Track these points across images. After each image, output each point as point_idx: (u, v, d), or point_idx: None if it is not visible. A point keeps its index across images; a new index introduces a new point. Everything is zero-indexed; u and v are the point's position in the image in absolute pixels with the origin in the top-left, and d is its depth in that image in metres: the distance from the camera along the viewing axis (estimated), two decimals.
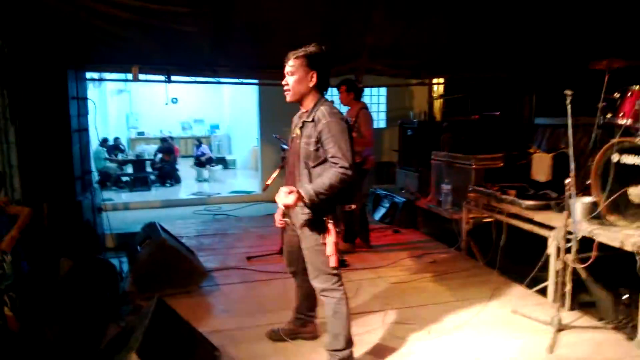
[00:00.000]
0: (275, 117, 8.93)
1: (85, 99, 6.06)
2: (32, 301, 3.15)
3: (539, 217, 3.81)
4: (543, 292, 3.76)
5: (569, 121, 3.08)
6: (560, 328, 3.11)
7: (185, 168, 12.21)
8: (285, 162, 2.99)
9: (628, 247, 3.00)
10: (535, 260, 3.80)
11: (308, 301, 3.03)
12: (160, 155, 11.25)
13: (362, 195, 4.93)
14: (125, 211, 8.42)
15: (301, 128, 2.60)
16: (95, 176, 7.47)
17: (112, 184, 10.46)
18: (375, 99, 9.48)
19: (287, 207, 2.48)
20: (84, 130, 5.96)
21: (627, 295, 3.32)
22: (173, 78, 6.62)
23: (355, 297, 3.72)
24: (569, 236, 3.24)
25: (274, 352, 3.00)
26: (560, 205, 3.65)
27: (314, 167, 2.54)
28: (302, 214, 2.60)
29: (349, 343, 2.68)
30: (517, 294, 3.85)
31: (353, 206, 2.59)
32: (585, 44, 4.62)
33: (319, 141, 2.50)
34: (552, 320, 3.13)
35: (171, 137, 12.67)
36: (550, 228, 3.65)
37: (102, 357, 2.56)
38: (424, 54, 6.34)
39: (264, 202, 9.07)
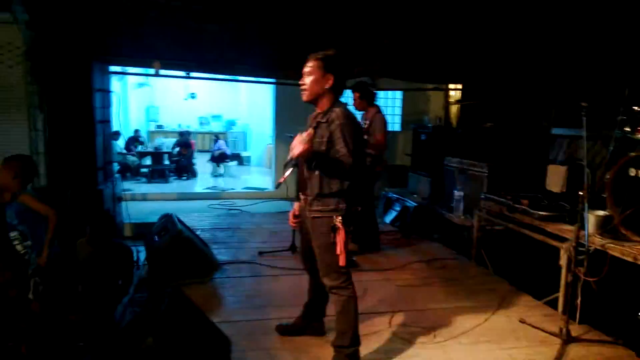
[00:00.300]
0: (290, 116, 8.99)
1: (108, 91, 6.22)
2: (56, 283, 3.25)
3: (551, 228, 3.81)
4: (553, 303, 3.75)
5: (584, 133, 3.08)
6: (569, 340, 3.10)
7: (201, 162, 12.36)
8: (300, 161, 3.05)
9: None
10: (546, 271, 3.81)
11: (319, 298, 3.07)
12: (177, 149, 11.42)
13: (371, 198, 4.96)
14: (143, 202, 8.57)
15: (315, 128, 2.65)
16: (115, 167, 7.63)
17: (131, 175, 10.67)
18: (391, 102, 9.51)
19: (301, 154, 2.48)
20: (106, 121, 6.12)
21: None
22: (193, 74, 6.75)
23: (363, 297, 3.74)
24: (581, 248, 3.24)
25: (282, 346, 3.05)
26: (573, 217, 3.64)
27: None
28: (313, 212, 2.66)
29: (356, 341, 2.73)
30: (526, 303, 3.84)
31: (359, 208, 2.63)
32: (609, 56, 4.60)
33: (330, 141, 2.56)
34: (561, 332, 3.13)
35: (188, 132, 12.83)
36: (563, 240, 3.65)
37: (118, 340, 2.64)
38: (440, 59, 6.37)
39: (276, 200, 9.15)
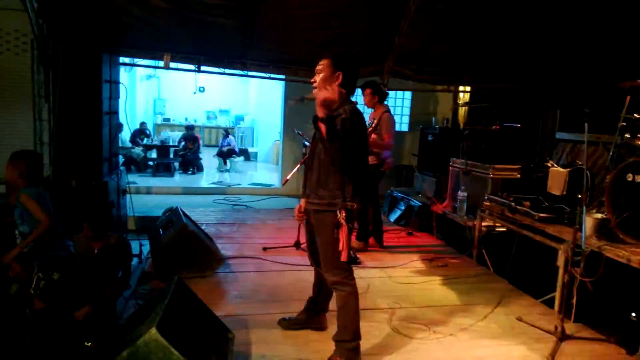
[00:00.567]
0: (299, 113, 9.07)
1: (117, 82, 6.26)
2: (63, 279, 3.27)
3: (550, 229, 3.88)
4: (549, 302, 3.83)
5: (586, 138, 3.14)
6: (563, 338, 3.17)
7: (207, 157, 12.44)
8: (307, 158, 3.13)
9: (634, 264, 3.07)
10: (544, 272, 3.88)
11: (323, 293, 3.16)
12: (184, 143, 11.49)
13: (374, 196, 5.03)
14: (147, 195, 8.66)
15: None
16: (120, 160, 7.70)
17: (136, 168, 10.73)
18: (400, 102, 9.55)
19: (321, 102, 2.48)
20: (114, 113, 6.16)
21: (634, 315, 3.37)
22: (203, 68, 6.80)
23: (365, 294, 3.83)
24: (578, 250, 3.31)
25: (284, 339, 3.14)
26: (572, 220, 3.70)
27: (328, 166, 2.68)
28: (317, 207, 2.75)
29: (357, 336, 2.81)
30: (524, 302, 3.92)
31: (354, 205, 2.69)
32: (614, 63, 4.65)
33: None
34: (556, 330, 3.21)
35: (192, 126, 12.88)
36: (561, 241, 3.72)
37: (122, 332, 2.72)
38: (450, 62, 6.42)
39: (282, 196, 9.24)
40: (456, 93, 8.25)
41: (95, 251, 3.33)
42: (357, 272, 2.90)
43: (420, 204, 6.15)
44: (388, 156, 4.97)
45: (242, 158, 12.99)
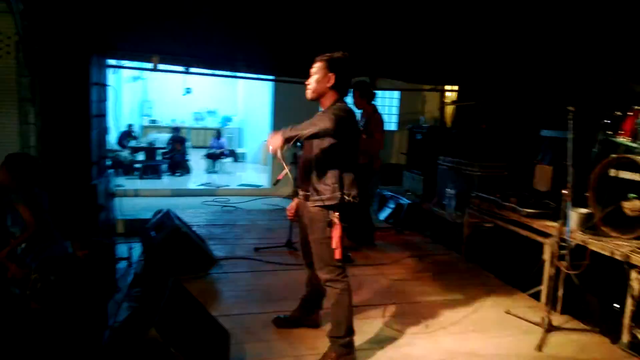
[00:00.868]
0: (288, 113, 9.09)
1: (105, 85, 6.24)
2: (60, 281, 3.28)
3: (537, 224, 3.98)
4: (536, 295, 3.94)
5: (571, 135, 3.24)
6: (550, 329, 3.27)
7: (195, 158, 12.40)
8: (299, 158, 3.19)
9: (618, 257, 3.18)
10: (531, 266, 3.98)
11: (316, 291, 3.20)
12: (171, 145, 11.46)
13: (365, 195, 5.10)
14: (135, 198, 8.62)
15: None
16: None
17: (123, 171, 10.67)
18: (389, 101, 9.64)
19: (274, 150, 2.59)
20: (102, 116, 6.14)
21: (617, 306, 3.47)
22: (192, 69, 6.81)
23: (358, 291, 3.89)
24: (564, 244, 3.41)
25: (279, 337, 3.19)
26: (558, 214, 3.81)
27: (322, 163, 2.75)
28: (311, 206, 2.80)
29: (350, 331, 2.86)
30: (512, 296, 4.03)
31: (357, 198, 2.77)
32: (597, 61, 4.76)
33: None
34: (543, 322, 3.30)
35: (179, 128, 12.85)
36: (547, 235, 3.82)
37: (119, 333, 2.74)
38: (437, 61, 6.51)
39: (271, 197, 9.26)
40: (443, 92, 8.37)
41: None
42: (350, 270, 2.96)
43: (409, 202, 6.23)
44: (378, 156, 5.04)
45: (230, 159, 12.97)
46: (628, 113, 3.64)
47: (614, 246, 3.25)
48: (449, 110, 8.42)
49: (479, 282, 4.32)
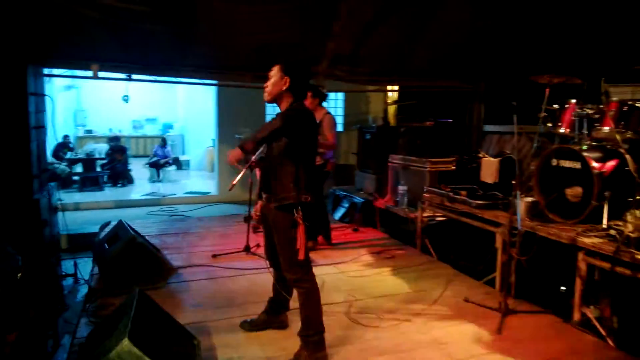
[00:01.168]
0: (233, 118, 9.04)
1: (43, 95, 5.96)
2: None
3: (487, 215, 4.20)
4: (491, 282, 4.14)
5: (515, 129, 3.44)
6: (507, 313, 3.45)
7: (137, 168, 12.03)
8: (255, 161, 3.24)
9: (564, 240, 3.41)
10: (484, 255, 4.19)
11: (283, 292, 3.22)
12: (111, 155, 11.06)
13: (320, 196, 5.17)
14: (76, 212, 8.26)
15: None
16: None
17: (60, 184, 10.15)
18: (333, 103, 9.77)
19: (234, 162, 2.74)
20: (41, 127, 5.86)
21: (563, 288, 3.72)
22: (135, 77, 6.61)
23: (321, 290, 3.81)
24: (514, 232, 3.61)
25: (248, 341, 3.16)
26: (506, 204, 4.04)
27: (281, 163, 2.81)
28: (275, 205, 2.84)
29: (320, 328, 2.90)
30: (468, 284, 4.21)
31: (309, 198, 2.83)
32: (530, 59, 5.09)
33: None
34: (500, 306, 3.49)
35: (118, 137, 12.42)
36: (497, 225, 4.03)
37: (87, 349, 2.64)
38: (380, 62, 6.69)
39: (220, 204, 9.15)
40: (385, 92, 8.61)
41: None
42: None
43: (363, 200, 6.36)
44: (331, 156, 5.12)
45: (174, 167, 12.67)
46: (565, 106, 3.92)
47: (560, 231, 3.49)
48: (391, 109, 8.67)
49: (436, 273, 4.48)
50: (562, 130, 3.94)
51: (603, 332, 3.19)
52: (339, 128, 9.73)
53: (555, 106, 4.01)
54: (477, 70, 5.91)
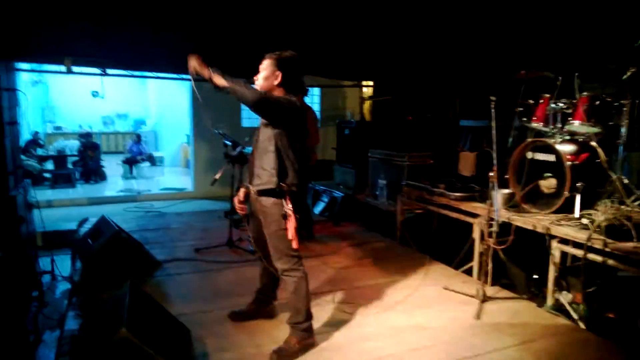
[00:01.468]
0: (208, 114, 8.99)
1: (15, 90, 5.84)
2: None
3: (465, 206, 4.36)
4: (469, 272, 4.31)
5: (494, 123, 3.59)
6: (484, 300, 3.62)
7: (108, 165, 11.82)
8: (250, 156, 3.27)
9: (539, 229, 3.59)
10: (461, 245, 4.34)
11: (271, 283, 3.29)
12: (82, 151, 10.86)
13: (304, 189, 5.24)
14: (49, 209, 8.08)
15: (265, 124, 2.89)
16: None
17: (32, 181, 9.92)
18: (310, 98, 9.84)
19: (194, 69, 2.74)
20: (14, 123, 5.74)
21: (536, 276, 3.90)
22: (109, 71, 6.55)
23: None
24: (491, 222, 3.76)
25: (238, 331, 3.22)
26: (484, 196, 4.20)
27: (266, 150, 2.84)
28: (264, 202, 2.89)
29: (309, 316, 2.99)
30: (447, 274, 4.36)
31: (293, 187, 2.87)
32: (505, 55, 5.27)
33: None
34: (477, 294, 3.64)
35: (90, 134, 12.19)
36: (475, 216, 4.19)
37: (81, 341, 2.65)
38: (356, 57, 6.80)
39: (197, 199, 9.11)
40: (360, 88, 8.74)
41: None
42: None
43: (342, 194, 6.46)
44: (313, 151, 5.19)
45: (147, 164, 12.52)
46: (540, 101, 4.10)
47: (535, 221, 3.66)
48: (367, 105, 8.81)
49: (416, 264, 4.61)
50: (536, 125, 4.12)
51: (575, 316, 3.37)
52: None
53: (530, 101, 4.19)
54: (452, 67, 6.08)
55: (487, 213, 3.78)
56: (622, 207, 3.38)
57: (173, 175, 11.92)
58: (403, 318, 3.46)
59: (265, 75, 2.87)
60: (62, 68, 6.15)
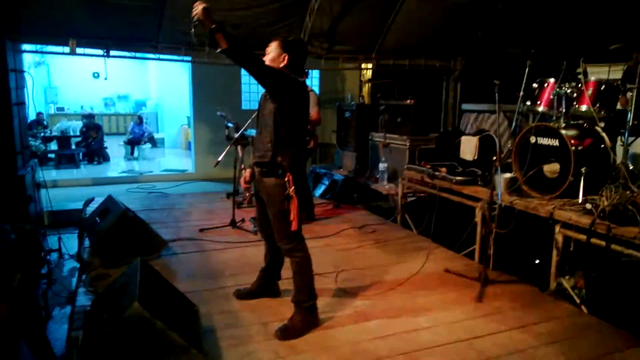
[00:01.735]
0: (208, 96, 9.02)
1: (22, 71, 5.87)
2: None
3: (467, 190, 4.40)
4: (470, 255, 4.36)
5: (497, 107, 3.61)
6: (486, 283, 3.66)
7: (110, 146, 11.87)
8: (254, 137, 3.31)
9: (542, 214, 3.63)
10: (463, 229, 4.39)
11: (275, 262, 3.35)
12: (86, 132, 10.90)
13: (304, 172, 5.29)
14: (54, 189, 8.16)
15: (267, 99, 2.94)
16: None
17: (37, 161, 9.99)
18: (309, 81, 9.83)
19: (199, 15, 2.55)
20: (21, 103, 5.79)
21: (538, 261, 3.95)
22: (112, 53, 6.55)
23: None
24: (493, 206, 3.81)
25: (243, 308, 3.29)
26: (486, 180, 4.25)
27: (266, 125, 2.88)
28: (267, 183, 2.94)
29: (313, 295, 3.06)
30: (448, 257, 4.41)
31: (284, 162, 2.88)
32: (507, 39, 5.27)
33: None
34: (479, 277, 3.70)
35: (92, 115, 12.23)
36: (477, 200, 4.24)
37: (93, 315, 2.72)
38: (357, 40, 6.80)
39: (198, 181, 9.19)
40: (360, 70, 8.71)
41: None
42: None
43: (343, 177, 6.51)
44: (314, 134, 5.24)
45: (149, 145, 12.57)
46: (544, 85, 4.11)
47: (538, 205, 3.70)
48: (366, 87, 8.79)
49: (417, 246, 4.67)
50: (540, 109, 4.14)
51: (577, 300, 3.40)
52: None
53: (534, 85, 4.19)
54: (453, 49, 6.07)
55: (489, 197, 3.82)
56: (627, 192, 3.38)
57: (174, 157, 11.98)
58: (406, 299, 3.51)
59: (272, 57, 2.91)
60: (66, 49, 6.16)
